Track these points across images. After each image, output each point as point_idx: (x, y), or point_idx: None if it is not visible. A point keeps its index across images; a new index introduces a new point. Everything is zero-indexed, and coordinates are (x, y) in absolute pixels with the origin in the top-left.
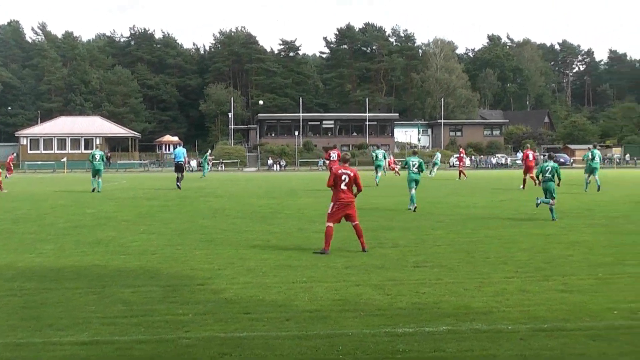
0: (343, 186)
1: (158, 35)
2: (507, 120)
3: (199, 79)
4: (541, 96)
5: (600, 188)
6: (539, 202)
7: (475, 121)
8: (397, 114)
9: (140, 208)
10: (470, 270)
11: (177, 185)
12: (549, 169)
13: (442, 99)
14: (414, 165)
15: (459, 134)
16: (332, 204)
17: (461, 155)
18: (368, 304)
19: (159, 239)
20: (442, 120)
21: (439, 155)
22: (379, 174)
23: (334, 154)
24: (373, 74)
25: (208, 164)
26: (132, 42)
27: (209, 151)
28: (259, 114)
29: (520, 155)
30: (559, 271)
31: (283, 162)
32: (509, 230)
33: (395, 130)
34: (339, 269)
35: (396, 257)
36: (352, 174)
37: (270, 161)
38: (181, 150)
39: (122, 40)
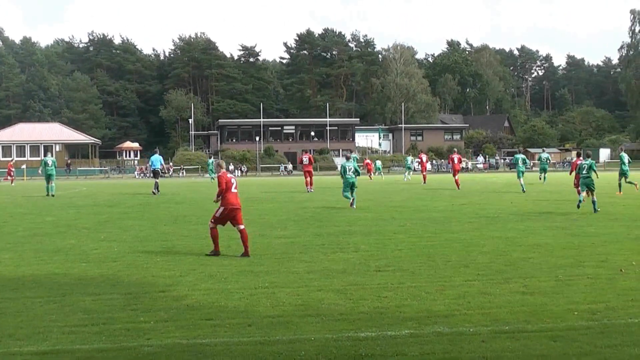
0: (234, 189)
1: (117, 40)
2: (467, 125)
3: (159, 85)
4: (501, 101)
5: (524, 190)
6: (579, 204)
7: (435, 125)
8: (358, 119)
9: (100, 215)
10: (431, 274)
11: (153, 191)
12: (585, 166)
13: (403, 104)
14: (349, 170)
15: (419, 138)
16: (222, 208)
17: (424, 161)
18: (330, 308)
19: (119, 246)
20: (403, 125)
21: (410, 159)
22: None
23: (305, 158)
24: (333, 79)
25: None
26: (91, 48)
27: (212, 157)
28: (219, 120)
29: (481, 159)
30: (520, 273)
31: (244, 168)
32: (470, 233)
33: (356, 135)
34: (301, 274)
35: (358, 262)
36: (235, 179)
37: (231, 167)
38: (157, 157)
39: (80, 46)
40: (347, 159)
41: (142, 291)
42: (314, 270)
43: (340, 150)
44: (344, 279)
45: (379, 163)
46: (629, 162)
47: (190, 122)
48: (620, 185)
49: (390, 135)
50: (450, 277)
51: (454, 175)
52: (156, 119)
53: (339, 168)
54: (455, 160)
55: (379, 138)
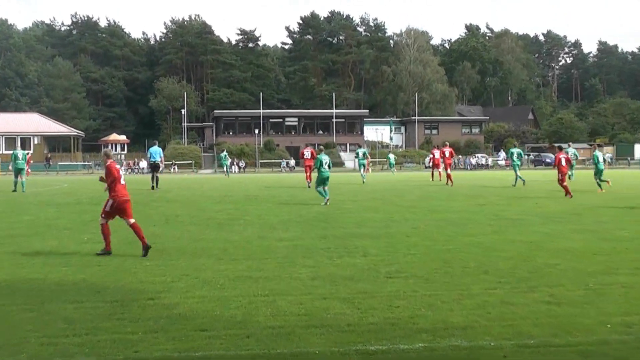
0: (122, 181)
1: (103, 23)
2: (488, 117)
3: (149, 72)
4: (524, 91)
5: (515, 184)
6: None
7: (452, 118)
8: (367, 111)
9: (84, 214)
10: (448, 281)
11: (152, 186)
12: None
13: (416, 94)
14: (325, 163)
15: (434, 131)
16: (110, 201)
17: (437, 157)
18: (336, 319)
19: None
20: (417, 117)
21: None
22: (362, 171)
23: (307, 152)
24: (340, 67)
25: (229, 164)
26: (74, 31)
27: (224, 151)
28: (215, 111)
29: (502, 154)
30: (546, 281)
31: (242, 163)
32: (490, 236)
33: (365, 127)
34: (304, 280)
35: (367, 267)
36: (122, 171)
37: (228, 162)
38: (157, 149)
39: (62, 28)
40: (321, 151)
41: (130, 299)
42: (318, 276)
43: (348, 144)
44: (351, 286)
45: (392, 158)
46: (604, 161)
47: (182, 112)
48: (598, 183)
49: (403, 129)
50: (469, 285)
51: (446, 169)
52: (145, 109)
53: (316, 161)
54: (447, 154)
55: (390, 131)
